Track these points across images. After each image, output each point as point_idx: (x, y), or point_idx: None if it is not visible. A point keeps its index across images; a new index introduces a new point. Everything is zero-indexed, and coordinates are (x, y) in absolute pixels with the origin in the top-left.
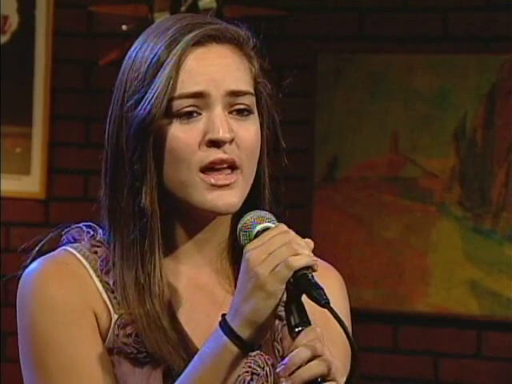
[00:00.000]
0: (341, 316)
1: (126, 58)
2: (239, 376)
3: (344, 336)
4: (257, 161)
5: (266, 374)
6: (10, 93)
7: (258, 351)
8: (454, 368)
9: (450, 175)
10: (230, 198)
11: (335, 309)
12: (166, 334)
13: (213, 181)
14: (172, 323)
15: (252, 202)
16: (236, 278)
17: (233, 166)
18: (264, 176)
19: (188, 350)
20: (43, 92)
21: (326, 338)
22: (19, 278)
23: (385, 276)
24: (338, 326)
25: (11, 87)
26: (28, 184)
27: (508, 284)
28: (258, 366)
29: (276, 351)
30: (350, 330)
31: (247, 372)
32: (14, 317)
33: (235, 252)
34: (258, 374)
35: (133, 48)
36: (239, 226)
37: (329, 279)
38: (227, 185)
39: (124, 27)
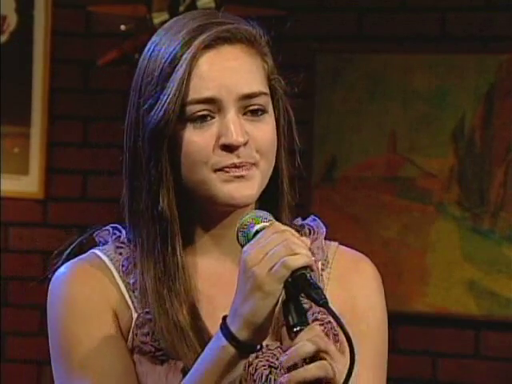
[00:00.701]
0: (374, 310)
1: (141, 59)
2: (257, 370)
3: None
4: (274, 157)
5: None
6: (9, 93)
7: (278, 344)
8: (452, 368)
9: (448, 175)
10: (246, 189)
11: (333, 308)
12: (183, 332)
13: (229, 173)
14: (191, 321)
15: (271, 197)
16: None
17: (247, 167)
18: (282, 171)
19: (204, 348)
20: (42, 92)
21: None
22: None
23: (383, 276)
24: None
25: (10, 87)
26: (26, 184)
27: (507, 284)
28: (277, 359)
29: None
30: (385, 323)
31: (265, 366)
32: (13, 317)
33: None
34: (277, 368)
35: (146, 49)
36: (237, 226)
37: (360, 271)
38: (243, 176)
39: (122, 27)
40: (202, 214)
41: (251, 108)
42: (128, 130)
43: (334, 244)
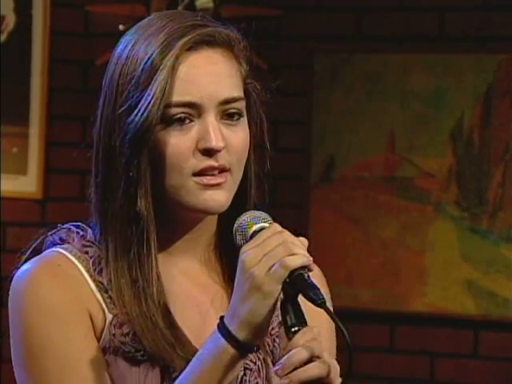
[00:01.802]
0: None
1: (115, 55)
2: None
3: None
4: (244, 162)
5: (258, 369)
6: (7, 92)
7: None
8: (450, 368)
9: (446, 175)
10: (220, 197)
11: (331, 308)
12: (162, 332)
13: (205, 181)
14: (167, 321)
15: (238, 199)
16: (224, 270)
17: (223, 170)
18: (250, 174)
19: (182, 347)
20: (40, 92)
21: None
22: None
23: (381, 276)
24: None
25: (8, 87)
26: (25, 184)
27: (504, 284)
28: (250, 360)
29: (266, 345)
30: (333, 329)
31: (240, 367)
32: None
33: (222, 247)
34: (251, 369)
35: (122, 46)
36: (235, 226)
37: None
38: (218, 184)
39: (121, 27)
40: (176, 217)
41: (229, 112)
42: (102, 128)
43: None
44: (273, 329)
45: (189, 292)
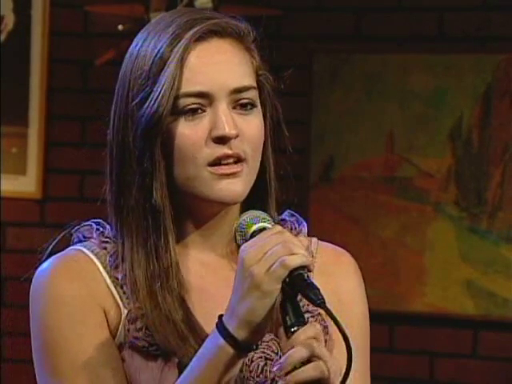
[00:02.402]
0: (357, 304)
1: (127, 55)
2: (253, 362)
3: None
4: (261, 152)
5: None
6: (6, 93)
7: (273, 336)
8: (449, 368)
9: (445, 175)
10: (236, 187)
11: (330, 308)
12: (176, 326)
13: (220, 171)
14: (184, 315)
15: (260, 192)
16: None
17: (238, 160)
18: (269, 166)
19: (199, 340)
20: (39, 92)
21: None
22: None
23: (381, 276)
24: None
25: (7, 87)
26: (24, 184)
27: (504, 284)
28: (272, 351)
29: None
30: (367, 318)
31: (261, 357)
32: (12, 317)
33: None
34: (272, 360)
35: (133, 45)
36: (235, 225)
37: (343, 265)
38: (233, 173)
39: (120, 27)
40: (192, 209)
41: (241, 102)
42: (115, 124)
43: (315, 239)
44: (272, 309)
45: (208, 285)
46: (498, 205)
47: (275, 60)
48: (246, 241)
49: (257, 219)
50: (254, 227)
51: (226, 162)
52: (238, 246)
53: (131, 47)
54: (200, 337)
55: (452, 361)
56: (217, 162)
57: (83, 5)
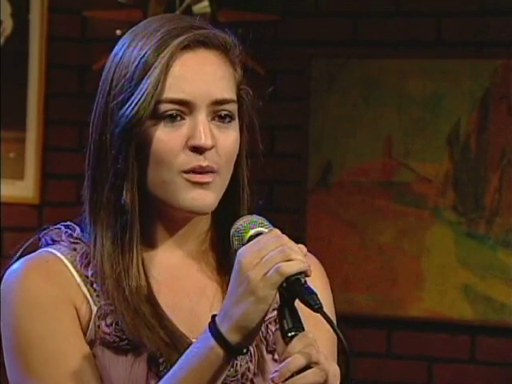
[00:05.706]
0: (325, 306)
1: (113, 54)
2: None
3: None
4: (233, 164)
5: (251, 354)
6: (4, 97)
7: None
8: (447, 373)
9: (443, 180)
10: (208, 198)
11: (328, 313)
12: (145, 318)
13: (193, 179)
14: (152, 309)
15: (230, 203)
16: (218, 265)
17: (211, 172)
18: (243, 178)
19: (170, 334)
20: (37, 97)
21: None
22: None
23: (378, 281)
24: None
25: (5, 92)
26: (22, 189)
27: (501, 289)
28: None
29: (260, 332)
30: (334, 318)
31: (229, 368)
32: None
33: (215, 242)
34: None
35: (119, 45)
36: (232, 230)
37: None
38: (207, 183)
39: (118, 32)
40: (162, 213)
41: (220, 113)
42: (95, 121)
43: None
44: (265, 315)
45: (176, 280)
46: (495, 210)
47: (273, 65)
48: (243, 245)
49: (253, 224)
50: (252, 232)
51: (199, 171)
52: (235, 251)
53: (117, 47)
54: (169, 328)
55: (450, 366)
56: (190, 171)
57: (81, 10)
